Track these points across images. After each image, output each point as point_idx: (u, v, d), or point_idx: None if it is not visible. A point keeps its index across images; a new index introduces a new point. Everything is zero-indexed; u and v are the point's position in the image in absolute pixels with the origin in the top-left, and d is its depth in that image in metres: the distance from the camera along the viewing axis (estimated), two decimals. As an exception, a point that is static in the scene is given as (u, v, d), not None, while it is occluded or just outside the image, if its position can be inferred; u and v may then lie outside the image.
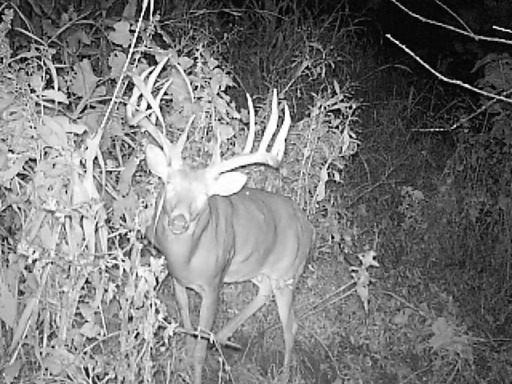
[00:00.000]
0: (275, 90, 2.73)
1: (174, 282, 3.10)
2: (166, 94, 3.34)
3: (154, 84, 3.26)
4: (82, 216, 2.30)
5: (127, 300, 2.06)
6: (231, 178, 2.55)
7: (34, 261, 2.03)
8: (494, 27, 2.06)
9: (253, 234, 2.96)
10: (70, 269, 2.27)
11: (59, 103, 2.65)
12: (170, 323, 2.04)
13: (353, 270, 3.18)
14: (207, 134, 3.36)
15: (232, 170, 2.58)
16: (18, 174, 2.48)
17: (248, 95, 2.72)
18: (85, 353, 2.19)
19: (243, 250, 2.92)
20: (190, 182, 2.44)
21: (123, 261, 2.06)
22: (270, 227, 3.06)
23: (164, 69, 3.56)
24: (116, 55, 3.17)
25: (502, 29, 2.05)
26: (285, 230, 3.15)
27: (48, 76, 2.55)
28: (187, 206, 2.38)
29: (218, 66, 3.33)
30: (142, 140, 2.85)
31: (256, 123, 4.03)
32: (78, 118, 2.98)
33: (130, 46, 2.75)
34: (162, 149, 2.52)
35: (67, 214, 2.15)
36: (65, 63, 3.57)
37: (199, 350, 2.86)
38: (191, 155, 3.27)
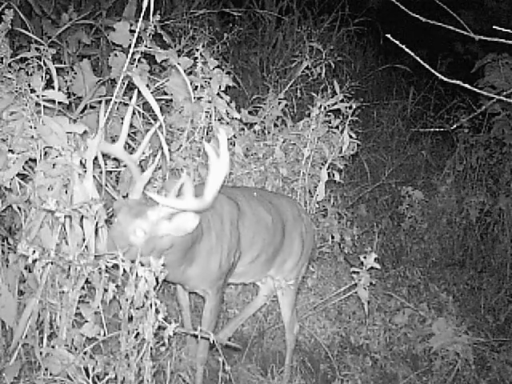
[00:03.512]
0: (222, 130, 2.33)
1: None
2: (165, 93, 3.35)
3: (154, 84, 3.28)
4: (82, 216, 2.30)
5: (127, 300, 2.06)
6: (184, 218, 2.31)
7: (34, 261, 2.02)
8: (494, 27, 2.06)
9: (260, 236, 2.93)
10: (69, 269, 2.27)
11: (59, 103, 2.64)
12: (170, 323, 2.04)
13: (353, 272, 3.18)
14: (207, 134, 3.36)
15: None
16: (18, 174, 2.47)
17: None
18: (85, 353, 2.19)
19: (249, 251, 2.90)
20: (128, 219, 2.24)
21: (123, 261, 2.06)
22: (277, 228, 3.04)
23: (164, 69, 3.58)
24: (116, 55, 3.16)
25: (502, 29, 2.05)
26: (291, 231, 3.14)
27: (48, 76, 2.54)
28: (110, 245, 2.24)
29: (218, 66, 3.33)
30: (141, 141, 2.85)
31: (256, 123, 4.06)
32: (78, 118, 2.98)
33: (129, 46, 2.75)
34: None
35: (67, 213, 2.15)
36: (65, 63, 3.57)
37: (201, 352, 2.85)
38: (191, 155, 3.27)
